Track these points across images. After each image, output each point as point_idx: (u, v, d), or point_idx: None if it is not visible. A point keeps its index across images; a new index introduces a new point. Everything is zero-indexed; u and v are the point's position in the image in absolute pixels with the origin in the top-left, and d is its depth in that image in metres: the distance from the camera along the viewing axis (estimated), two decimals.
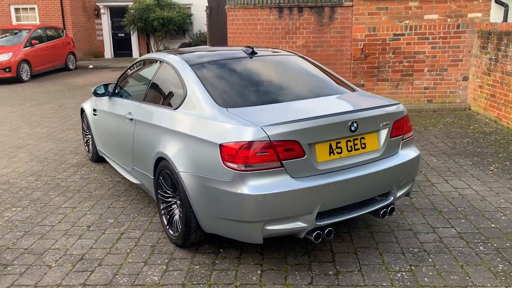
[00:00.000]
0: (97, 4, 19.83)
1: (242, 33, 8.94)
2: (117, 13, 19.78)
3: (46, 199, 4.69)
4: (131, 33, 19.35)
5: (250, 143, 2.82)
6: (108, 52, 20.22)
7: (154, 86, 4.08)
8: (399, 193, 3.45)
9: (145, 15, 17.65)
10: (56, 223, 4.10)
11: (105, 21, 19.96)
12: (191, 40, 18.78)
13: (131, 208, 4.39)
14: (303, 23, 8.32)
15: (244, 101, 3.34)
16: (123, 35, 19.97)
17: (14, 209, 4.46)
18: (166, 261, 3.38)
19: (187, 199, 3.22)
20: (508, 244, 3.49)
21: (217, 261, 3.35)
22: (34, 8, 18.66)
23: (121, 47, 20.20)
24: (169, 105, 3.68)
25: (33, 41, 14.50)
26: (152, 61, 4.36)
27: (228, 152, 2.87)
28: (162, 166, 3.53)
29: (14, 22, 18.79)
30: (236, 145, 2.85)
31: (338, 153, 3.09)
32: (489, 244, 3.49)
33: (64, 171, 5.61)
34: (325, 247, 3.51)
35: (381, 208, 3.31)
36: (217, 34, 10.39)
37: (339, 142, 3.10)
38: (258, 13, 8.57)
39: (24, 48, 14.10)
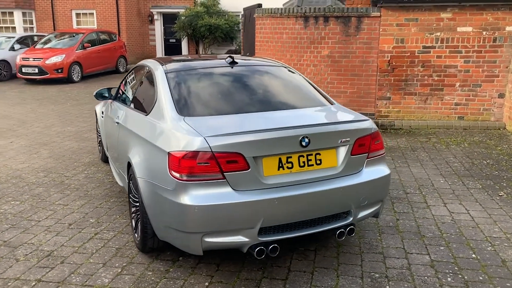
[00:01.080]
0: (151, 10, 20.65)
1: (268, 41, 8.93)
2: (169, 19, 20.47)
3: (45, 195, 4.93)
4: (181, 39, 19.94)
5: (192, 153, 2.82)
6: (160, 56, 20.94)
7: (138, 92, 4.18)
8: (362, 214, 3.29)
9: (194, 22, 18.13)
10: (43, 219, 4.30)
11: (158, 27, 20.72)
12: (237, 47, 19.03)
13: (116, 209, 4.51)
14: (329, 33, 8.18)
15: (204, 110, 3.34)
16: (174, 40, 20.62)
17: (13, 202, 4.73)
18: (124, 264, 3.44)
19: (143, 205, 3.26)
20: (481, 278, 3.21)
21: (171, 269, 3.36)
22: (93, 13, 19.75)
23: (172, 52, 20.85)
24: (144, 111, 3.76)
25: (85, 44, 15.34)
26: (142, 68, 4.47)
27: (172, 161, 2.89)
28: (130, 171, 3.61)
29: (75, 26, 19.98)
30: (180, 154, 2.85)
31: (288, 168, 3.01)
32: (460, 276, 3.24)
33: (74, 169, 5.87)
34: (284, 263, 3.41)
35: (338, 228, 3.18)
36: (249, 43, 10.46)
37: (290, 157, 3.01)
38: (284, 22, 8.54)
39: (76, 50, 14.95)
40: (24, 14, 20.16)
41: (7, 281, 3.21)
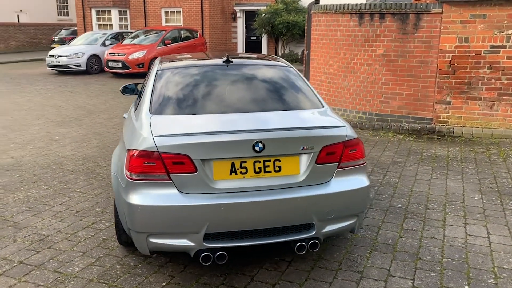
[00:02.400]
0: (234, 8, 21.09)
1: (323, 39, 8.63)
2: (252, 16, 20.74)
3: (72, 182, 5.27)
4: (261, 36, 20.11)
5: (140, 152, 2.81)
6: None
7: (142, 89, 4.28)
8: (330, 228, 3.03)
9: (272, 19, 18.17)
10: (57, 204, 4.60)
11: (240, 24, 21.11)
12: None
13: None
14: (384, 31, 7.68)
15: (174, 110, 3.30)
16: (254, 38, 20.85)
17: (42, 186, 5.13)
18: (100, 255, 3.55)
19: (114, 200, 3.34)
20: None
21: (139, 265, 3.40)
22: (179, 11, 20.71)
23: (253, 49, 21.12)
24: (136, 108, 3.83)
25: (166, 41, 16.14)
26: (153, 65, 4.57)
27: (126, 159, 2.91)
28: None
29: (163, 23, 21.11)
30: (131, 152, 2.86)
31: (242, 173, 2.87)
32: None
33: (110, 159, 6.21)
34: (251, 272, 3.28)
35: (298, 241, 2.97)
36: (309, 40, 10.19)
37: (244, 162, 2.86)
38: (339, 19, 8.18)
39: (158, 47, 15.79)
40: (120, 12, 21.77)
41: None
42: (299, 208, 2.89)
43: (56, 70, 16.62)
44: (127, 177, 2.86)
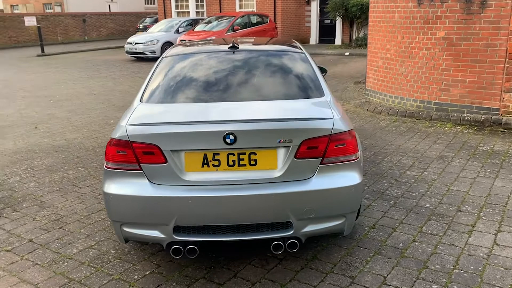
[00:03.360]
0: None
1: (380, 21, 8.06)
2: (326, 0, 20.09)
3: None
4: (335, 20, 19.43)
5: (114, 141, 2.79)
6: (314, 38, 20.85)
7: None
8: (311, 228, 2.80)
9: (346, 1, 17.45)
10: (85, 186, 4.82)
11: (314, 8, 20.55)
12: None
13: None
14: (446, 11, 6.96)
15: (162, 97, 3.22)
16: (328, 21, 20.21)
17: (79, 168, 5.41)
18: (102, 239, 3.65)
19: None
20: None
21: (132, 251, 3.43)
22: None
23: (326, 33, 20.51)
24: None
25: (235, 27, 16.21)
26: None
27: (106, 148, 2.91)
28: None
29: (237, 9, 21.23)
30: (109, 141, 2.86)
31: (214, 166, 2.73)
32: None
33: None
34: (237, 267, 3.16)
35: (274, 240, 2.78)
36: None
37: (218, 154, 2.72)
38: None
39: (226, 33, 15.91)
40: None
41: (8, 236, 3.73)
42: (274, 205, 2.70)
43: (133, 56, 17.48)
44: (104, 165, 2.86)
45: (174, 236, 2.76)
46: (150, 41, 16.81)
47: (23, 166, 5.52)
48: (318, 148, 2.74)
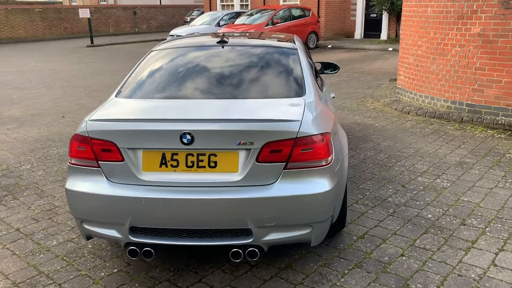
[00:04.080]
0: None
1: (412, 16, 7.60)
2: None
3: None
4: (381, 14, 18.73)
5: (75, 136, 2.74)
6: (358, 32, 20.21)
7: None
8: (273, 237, 2.62)
9: None
10: None
11: (360, 1, 19.90)
12: None
13: None
14: (482, 5, 6.44)
15: (139, 93, 3.13)
16: (375, 15, 19.51)
17: None
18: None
19: None
20: None
21: (108, 247, 3.40)
22: None
23: (372, 28, 19.82)
24: None
25: (275, 20, 16.00)
26: None
27: None
28: None
29: (281, 2, 20.96)
30: (72, 136, 2.81)
31: (173, 166, 2.61)
32: None
33: None
34: (205, 272, 3.04)
35: (233, 247, 2.63)
36: None
37: (176, 154, 2.60)
38: None
39: (266, 26, 15.74)
40: None
41: None
42: (231, 211, 2.54)
43: None
44: (68, 161, 2.83)
45: (130, 237, 2.68)
46: (191, 34, 16.93)
47: (38, 155, 5.67)
48: (282, 152, 2.56)
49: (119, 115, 2.74)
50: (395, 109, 7.72)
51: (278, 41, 3.85)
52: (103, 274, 3.06)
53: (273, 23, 15.97)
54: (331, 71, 5.26)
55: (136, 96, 3.10)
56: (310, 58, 4.99)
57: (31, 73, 13.13)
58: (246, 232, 2.63)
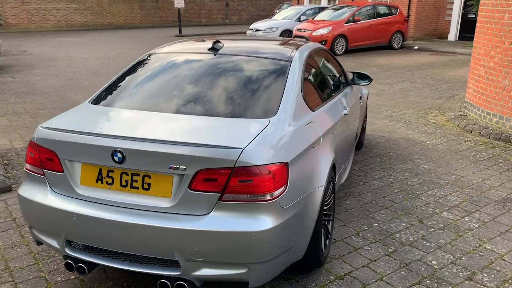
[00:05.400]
0: None
1: (487, 22, 6.68)
2: None
3: None
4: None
5: (30, 142, 2.72)
6: (453, 34, 18.58)
7: None
8: (205, 272, 2.37)
9: None
10: None
11: (457, 0, 18.25)
12: None
13: None
14: None
15: (111, 100, 3.01)
16: (473, 16, 17.77)
17: None
18: None
19: None
20: None
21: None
22: None
23: (469, 30, 18.08)
24: None
25: (356, 18, 15.26)
26: None
27: None
28: None
29: None
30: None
31: (108, 183, 2.47)
32: None
33: None
34: None
35: (161, 277, 2.43)
36: None
37: (112, 171, 2.46)
38: None
39: (345, 24, 15.10)
40: None
41: (2, 211, 4.00)
42: (158, 239, 2.34)
43: None
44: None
45: (66, 250, 2.60)
46: (270, 28, 16.81)
47: None
48: (217, 181, 2.30)
49: (68, 124, 2.66)
50: (457, 125, 6.90)
51: (278, 50, 3.53)
52: (60, 279, 3.04)
53: (354, 21, 15.24)
54: (365, 81, 4.78)
55: (104, 103, 3.01)
56: (339, 66, 4.58)
57: (114, 59, 13.92)
58: (176, 264, 2.42)
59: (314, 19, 16.34)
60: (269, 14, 31.74)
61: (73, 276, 3.07)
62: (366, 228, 3.75)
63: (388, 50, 16.30)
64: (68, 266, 2.62)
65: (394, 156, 5.56)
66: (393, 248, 3.45)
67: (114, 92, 3.13)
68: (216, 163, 2.28)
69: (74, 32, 24.12)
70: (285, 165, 2.45)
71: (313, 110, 3.16)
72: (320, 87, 3.66)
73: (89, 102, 3.10)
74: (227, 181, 2.29)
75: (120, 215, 2.40)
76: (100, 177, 2.49)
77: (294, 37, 15.65)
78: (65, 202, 2.54)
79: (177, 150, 2.31)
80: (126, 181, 2.44)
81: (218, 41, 3.48)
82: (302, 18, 17.32)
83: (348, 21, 15.16)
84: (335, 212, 4.03)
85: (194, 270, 2.38)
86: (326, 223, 3.28)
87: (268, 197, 2.33)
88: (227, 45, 3.56)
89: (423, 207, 4.16)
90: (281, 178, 2.40)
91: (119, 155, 2.37)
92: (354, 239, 3.59)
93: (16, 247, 3.43)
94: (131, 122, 2.68)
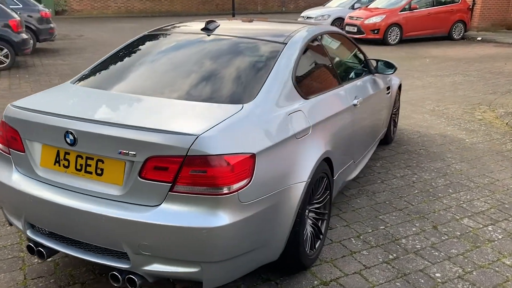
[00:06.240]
0: None
1: None
2: None
3: None
4: None
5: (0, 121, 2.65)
6: None
7: None
8: (156, 267, 2.18)
9: None
10: None
11: None
12: None
13: None
14: None
15: (89, 81, 2.89)
16: None
17: None
18: None
19: None
20: None
21: None
22: None
23: None
24: None
25: (412, 6, 14.38)
26: None
27: None
28: None
29: None
30: None
31: (64, 166, 2.35)
32: None
33: None
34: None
35: (113, 269, 2.27)
36: None
37: (68, 154, 2.33)
38: None
39: (400, 12, 14.27)
40: None
41: None
42: (107, 228, 2.19)
43: None
44: None
45: (27, 232, 2.52)
46: (321, 15, 16.28)
47: None
48: (168, 170, 2.10)
49: (34, 103, 2.56)
50: (506, 123, 6.24)
51: (276, 31, 3.24)
52: (36, 261, 3.00)
53: (410, 9, 14.36)
54: (389, 71, 4.37)
55: (83, 83, 2.89)
56: (361, 52, 4.21)
57: None
58: (126, 256, 2.26)
59: (369, 6, 15.60)
60: (326, 2, 30.93)
61: (50, 259, 3.01)
62: (370, 231, 3.41)
63: (447, 41, 15.25)
64: (30, 249, 2.54)
65: (425, 153, 5.09)
66: (394, 255, 3.10)
67: (96, 72, 3.01)
68: (166, 150, 2.08)
69: (132, 18, 24.75)
70: (251, 156, 2.20)
71: (306, 98, 2.87)
72: (323, 73, 3.34)
73: (70, 82, 3.00)
74: (178, 170, 2.08)
75: (72, 200, 2.27)
76: (58, 159, 2.38)
77: (345, 25, 15.05)
78: (25, 183, 2.45)
79: (127, 134, 2.14)
80: (81, 165, 2.31)
81: (212, 21, 3.26)
82: (356, 5, 16.59)
83: (403, 9, 14.31)
84: (342, 211, 3.71)
85: (144, 264, 2.21)
86: (318, 223, 2.99)
87: (225, 191, 2.10)
88: (224, 25, 3.33)
89: (442, 211, 3.73)
90: (243, 171, 2.15)
91: (71, 136, 2.24)
92: (353, 241, 3.27)
93: (7, 225, 3.44)
94: (91, 103, 2.54)
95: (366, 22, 14.21)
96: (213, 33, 3.17)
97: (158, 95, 2.57)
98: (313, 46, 3.27)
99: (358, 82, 3.85)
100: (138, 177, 2.15)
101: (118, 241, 2.19)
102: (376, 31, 14.07)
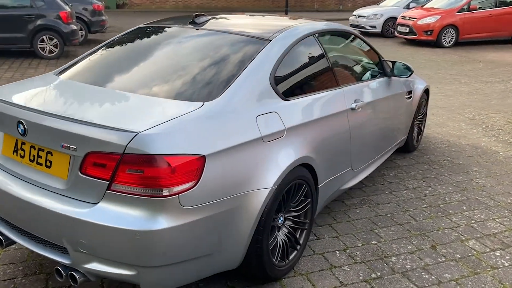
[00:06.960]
0: None
1: None
2: None
3: None
4: None
5: None
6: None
7: None
8: (96, 266, 2.10)
9: None
10: None
11: None
12: None
13: None
14: None
15: (72, 73, 2.85)
16: None
17: None
18: None
19: None
20: None
21: None
22: None
23: None
24: None
25: (471, 6, 13.51)
26: None
27: None
28: None
29: None
30: None
31: (21, 156, 2.33)
32: None
33: None
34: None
35: (57, 263, 2.23)
36: None
37: (24, 144, 2.31)
38: None
39: (457, 12, 13.46)
40: None
41: None
42: (49, 221, 2.15)
43: (357, 30, 16.74)
44: None
45: None
46: (374, 14, 15.71)
47: None
48: (105, 168, 2.01)
49: (5, 92, 2.56)
50: None
51: (265, 27, 3.07)
52: (13, 246, 3.04)
53: (469, 9, 13.50)
54: (405, 74, 4.06)
55: (63, 75, 2.87)
56: (375, 53, 3.96)
57: None
58: (64, 251, 2.21)
59: (424, 6, 14.85)
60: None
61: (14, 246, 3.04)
62: (360, 245, 3.17)
63: (509, 45, 14.21)
64: None
65: (448, 165, 4.71)
66: (378, 273, 2.85)
67: (79, 63, 2.99)
68: (104, 146, 2.00)
69: (189, 13, 25.24)
70: (199, 158, 2.07)
71: (285, 99, 2.69)
72: (315, 74, 3.13)
73: (53, 72, 3.00)
74: (116, 167, 2.00)
75: (23, 190, 2.26)
76: (16, 149, 2.38)
77: (397, 25, 14.43)
78: None
79: (69, 127, 2.08)
80: (34, 156, 2.29)
81: (201, 15, 3.15)
82: (412, 5, 15.85)
83: (461, 10, 13.48)
84: (336, 221, 3.49)
85: (84, 262, 2.14)
86: (295, 232, 2.81)
87: (164, 193, 1.99)
88: (214, 20, 3.21)
89: (447, 229, 3.41)
90: (186, 173, 2.03)
91: (21, 127, 2.23)
92: (338, 255, 3.05)
93: None
94: (50, 94, 2.50)
95: (419, 22, 13.53)
96: (201, 27, 3.06)
97: (120, 89, 2.50)
98: (305, 44, 3.07)
99: (364, 84, 3.59)
100: (79, 172, 2.09)
101: (59, 236, 2.15)
102: (429, 32, 13.36)
